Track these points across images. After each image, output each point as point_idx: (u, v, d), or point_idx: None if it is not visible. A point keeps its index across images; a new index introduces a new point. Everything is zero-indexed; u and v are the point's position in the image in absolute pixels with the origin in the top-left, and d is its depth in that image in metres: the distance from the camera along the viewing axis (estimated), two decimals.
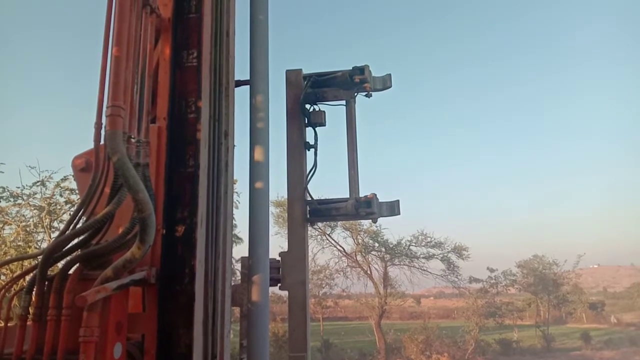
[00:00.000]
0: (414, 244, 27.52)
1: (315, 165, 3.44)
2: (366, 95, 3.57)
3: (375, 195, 3.35)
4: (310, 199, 3.39)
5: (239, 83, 2.75)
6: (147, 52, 2.07)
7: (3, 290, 1.98)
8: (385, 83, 3.64)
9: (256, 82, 2.74)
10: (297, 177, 3.39)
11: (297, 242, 3.28)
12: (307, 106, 3.52)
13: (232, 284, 2.47)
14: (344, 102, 3.63)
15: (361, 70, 3.45)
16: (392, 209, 3.45)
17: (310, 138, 3.50)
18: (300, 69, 3.59)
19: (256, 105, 2.69)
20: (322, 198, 3.53)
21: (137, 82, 1.97)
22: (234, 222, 2.62)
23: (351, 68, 3.49)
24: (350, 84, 3.51)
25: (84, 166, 2.27)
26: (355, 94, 3.60)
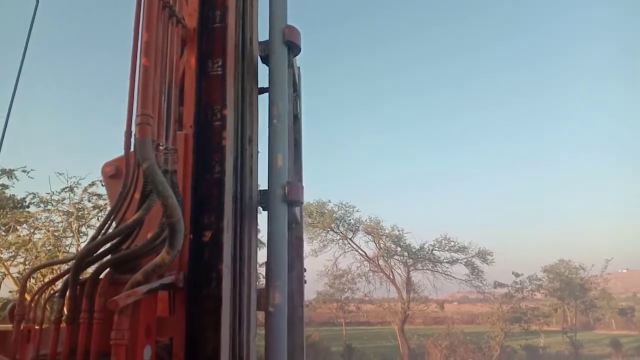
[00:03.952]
0: (437, 249, 27.36)
1: None
2: None
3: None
4: None
5: (262, 90, 2.79)
6: (174, 62, 2.12)
7: (37, 295, 2.04)
8: None
9: (275, 90, 2.77)
10: None
11: None
12: None
13: (257, 288, 2.49)
14: None
15: None
16: None
17: None
18: None
19: (274, 112, 2.72)
20: None
21: (164, 91, 2.02)
22: (258, 226, 2.64)
23: None
24: None
25: (114, 173, 2.33)
26: None
